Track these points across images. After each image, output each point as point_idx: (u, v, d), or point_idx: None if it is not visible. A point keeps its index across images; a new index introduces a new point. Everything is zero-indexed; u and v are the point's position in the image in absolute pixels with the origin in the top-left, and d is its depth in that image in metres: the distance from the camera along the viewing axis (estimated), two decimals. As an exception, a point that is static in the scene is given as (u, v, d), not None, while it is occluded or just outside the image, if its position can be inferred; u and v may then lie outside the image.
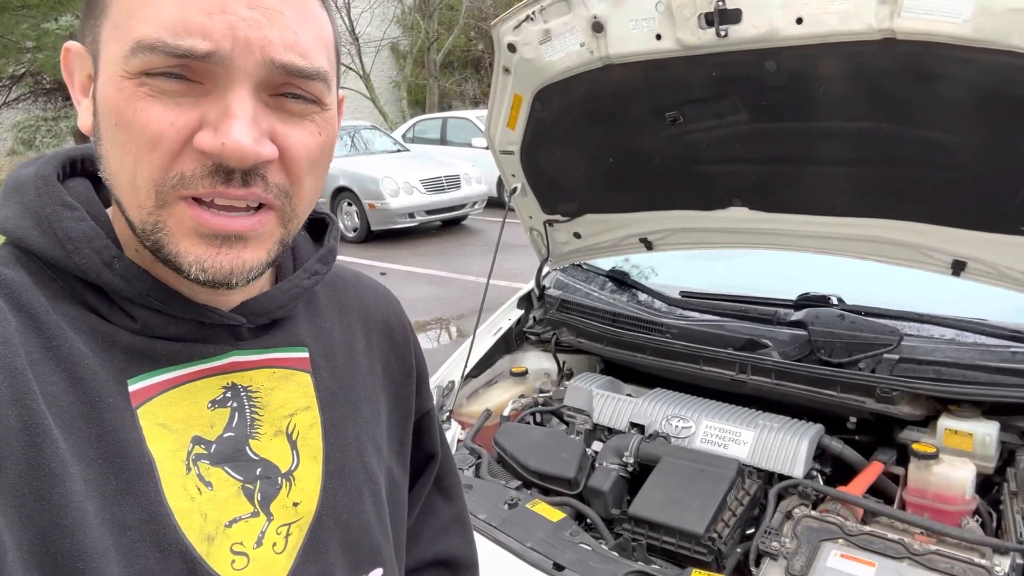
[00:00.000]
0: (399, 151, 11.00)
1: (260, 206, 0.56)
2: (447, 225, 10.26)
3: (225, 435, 0.62)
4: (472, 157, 10.89)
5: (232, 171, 0.52)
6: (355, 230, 9.42)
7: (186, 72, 0.51)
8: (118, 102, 0.52)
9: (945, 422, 1.72)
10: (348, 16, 16.33)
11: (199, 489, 0.59)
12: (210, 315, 0.61)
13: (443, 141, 12.13)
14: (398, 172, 9.39)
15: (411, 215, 9.32)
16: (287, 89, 0.55)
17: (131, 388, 0.57)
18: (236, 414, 0.63)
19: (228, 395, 0.63)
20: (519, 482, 1.88)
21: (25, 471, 0.49)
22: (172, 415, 0.59)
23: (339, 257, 0.78)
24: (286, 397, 0.67)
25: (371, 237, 9.36)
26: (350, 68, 16.10)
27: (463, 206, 9.96)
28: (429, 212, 9.52)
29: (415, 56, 18.53)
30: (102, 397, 0.55)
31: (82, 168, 0.65)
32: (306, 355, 0.70)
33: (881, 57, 1.52)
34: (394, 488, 0.77)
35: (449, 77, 19.40)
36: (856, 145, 1.72)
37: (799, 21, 1.55)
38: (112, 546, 0.53)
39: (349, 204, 9.43)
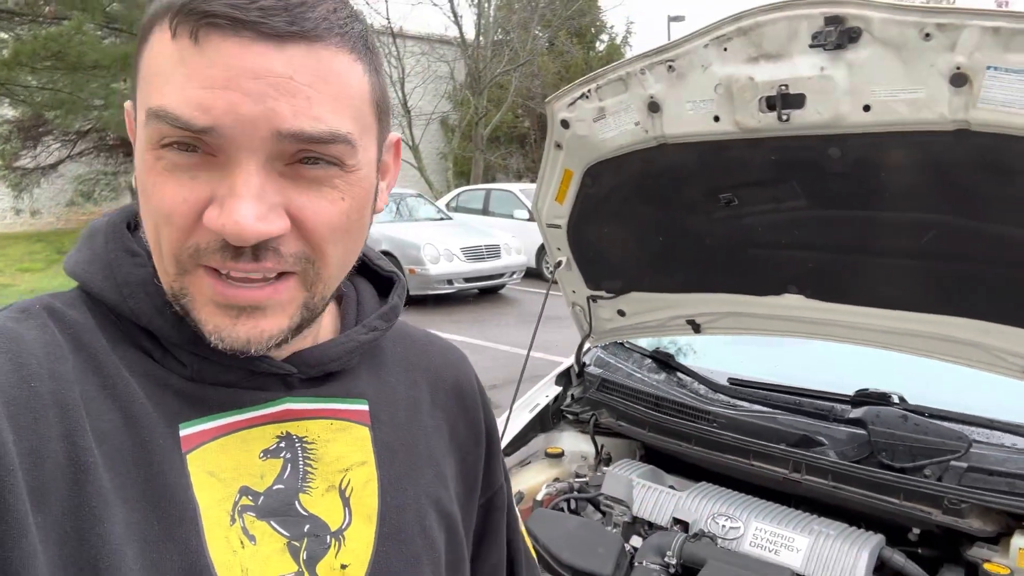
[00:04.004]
0: (442, 219, 11.14)
1: (279, 274, 0.55)
2: (484, 293, 10.26)
3: (275, 487, 0.59)
4: (513, 228, 10.97)
5: (240, 247, 0.52)
6: (393, 295, 9.46)
7: (197, 143, 0.51)
8: (142, 173, 0.54)
9: (1020, 541, 1.58)
10: (402, 90, 16.88)
11: (242, 543, 0.56)
12: (258, 364, 0.60)
13: (485, 211, 12.28)
14: (439, 239, 9.49)
15: (449, 282, 9.36)
16: (303, 155, 0.53)
17: (182, 433, 0.57)
18: (289, 466, 0.61)
19: (282, 445, 0.61)
20: (549, 575, 1.77)
21: (69, 509, 0.49)
22: (222, 463, 0.58)
23: None
24: (342, 451, 0.64)
25: (409, 302, 9.33)
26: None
27: (502, 275, 9.98)
28: (467, 280, 9.55)
29: (463, 130, 18.99)
30: (153, 439, 0.55)
31: None
32: (366, 408, 0.67)
33: (953, 148, 1.46)
34: (458, 564, 0.71)
35: (495, 151, 19.79)
36: (924, 238, 1.64)
37: (866, 108, 1.50)
38: None
39: (389, 269, 9.50)
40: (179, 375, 0.59)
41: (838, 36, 1.48)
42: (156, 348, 0.59)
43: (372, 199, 0.61)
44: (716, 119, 1.70)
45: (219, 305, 0.54)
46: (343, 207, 0.56)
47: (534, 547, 1.80)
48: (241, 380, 0.60)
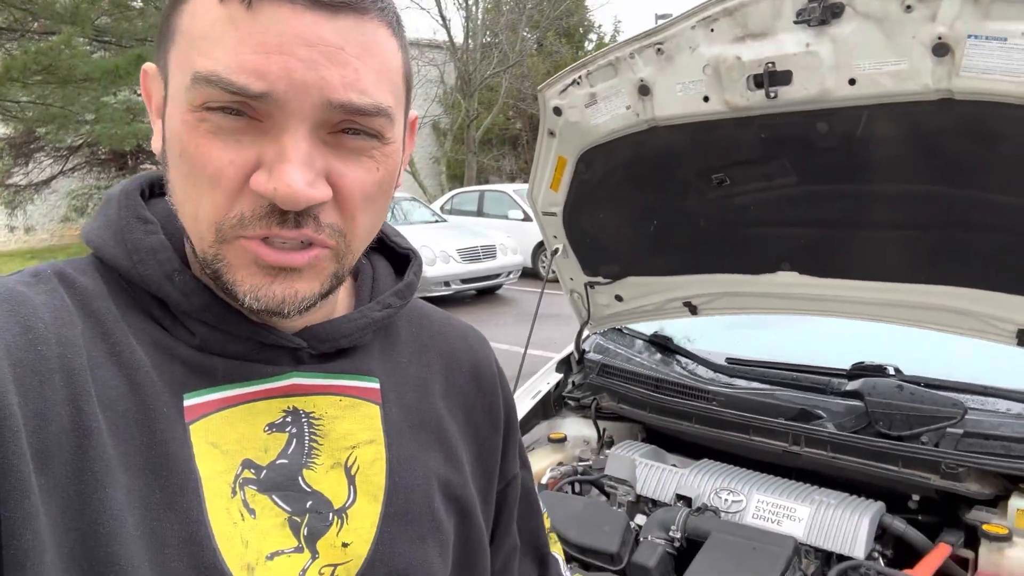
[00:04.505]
0: (437, 222, 11.17)
1: (312, 243, 0.56)
2: (482, 294, 10.29)
3: (278, 462, 0.59)
4: (508, 228, 11.00)
5: (286, 212, 0.52)
6: (391, 298, 9.49)
7: (245, 109, 0.51)
8: (182, 134, 0.52)
9: (1017, 502, 1.61)
10: (392, 95, 16.87)
11: (242, 515, 0.56)
12: (268, 335, 0.60)
13: (480, 213, 12.31)
14: (435, 241, 9.51)
15: (446, 283, 9.38)
16: (346, 125, 0.54)
17: (186, 403, 0.57)
18: (294, 440, 0.60)
19: (288, 419, 0.61)
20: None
21: (72, 473, 0.49)
22: (225, 435, 0.57)
23: None
24: (349, 428, 0.63)
25: (406, 305, 9.41)
26: (391, 143, 16.56)
27: (498, 275, 10.00)
28: (464, 281, 9.57)
29: (455, 133, 19.02)
30: (157, 408, 0.55)
31: None
32: (376, 386, 0.66)
33: (938, 117, 1.49)
34: (472, 549, 0.70)
35: (487, 153, 19.82)
36: (912, 208, 1.68)
37: (852, 82, 1.53)
38: (147, 561, 0.51)
39: (386, 272, 9.53)
40: (187, 344, 0.59)
41: (821, 12, 1.51)
42: (166, 316, 0.59)
43: (399, 172, 0.62)
44: (705, 99, 1.73)
45: (259, 266, 0.54)
46: (377, 177, 0.57)
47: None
48: (250, 352, 0.60)
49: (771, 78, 1.61)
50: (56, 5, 8.59)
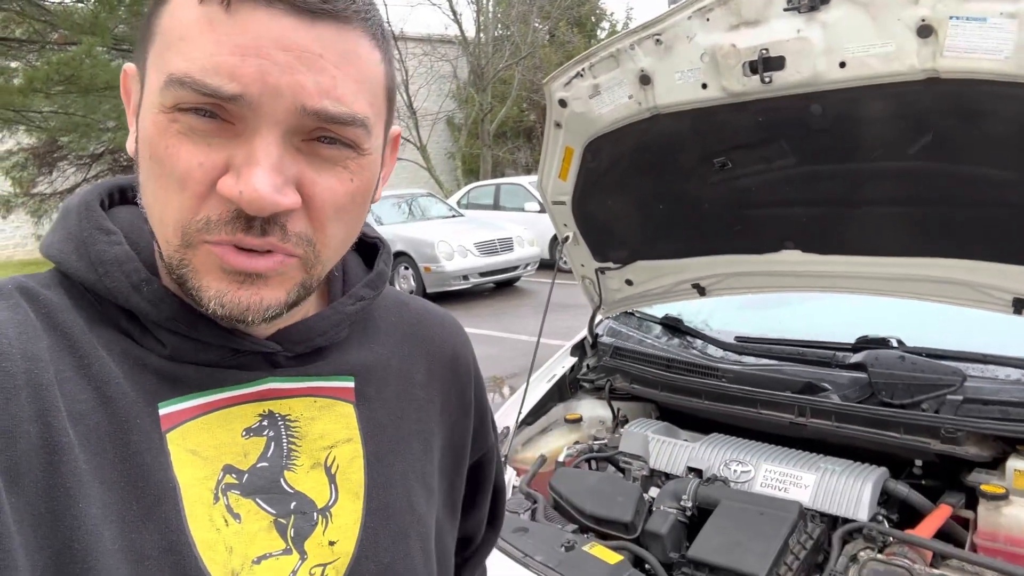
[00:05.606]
0: (454, 216, 11.28)
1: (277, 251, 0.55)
2: (500, 287, 10.39)
3: (259, 465, 0.59)
4: (525, 221, 11.09)
5: (252, 218, 0.52)
6: (411, 292, 9.63)
7: (217, 111, 0.51)
8: (153, 135, 0.52)
9: (1014, 463, 1.67)
10: (407, 92, 17.01)
11: (226, 520, 0.56)
12: (240, 342, 0.60)
13: (496, 206, 12.40)
14: (453, 236, 9.62)
15: (465, 277, 9.49)
16: (320, 133, 0.53)
17: (162, 412, 0.56)
18: (272, 443, 0.61)
19: (265, 423, 0.61)
20: (575, 526, 1.88)
21: (44, 489, 0.49)
22: (203, 442, 0.57)
23: None
24: (326, 428, 0.64)
25: (427, 299, 9.54)
26: (408, 140, 16.69)
27: (516, 268, 10.10)
28: (483, 274, 9.67)
29: (470, 128, 19.12)
30: (130, 418, 0.54)
31: (133, 196, 0.65)
32: (351, 384, 0.66)
33: (925, 96, 1.55)
34: (441, 537, 0.72)
35: (502, 146, 19.90)
36: (906, 184, 1.74)
37: (842, 65, 1.59)
38: (127, 574, 0.51)
39: (406, 268, 9.67)
40: (158, 354, 0.58)
41: (810, -1, 1.58)
42: (135, 327, 0.58)
43: (375, 185, 0.61)
44: (704, 86, 1.80)
45: (225, 271, 0.53)
46: (351, 188, 0.56)
47: (559, 501, 1.93)
48: (223, 360, 0.60)
49: (765, 64, 1.68)
50: (75, 16, 8.78)
